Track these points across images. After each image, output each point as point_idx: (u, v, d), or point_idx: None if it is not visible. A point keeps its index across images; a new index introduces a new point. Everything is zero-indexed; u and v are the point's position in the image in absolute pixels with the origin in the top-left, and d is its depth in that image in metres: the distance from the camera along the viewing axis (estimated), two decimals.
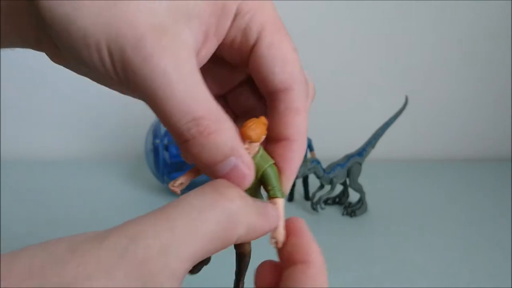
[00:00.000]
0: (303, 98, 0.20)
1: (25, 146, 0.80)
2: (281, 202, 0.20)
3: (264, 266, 0.20)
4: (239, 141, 0.18)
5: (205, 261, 0.21)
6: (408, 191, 0.70)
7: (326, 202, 0.62)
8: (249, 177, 0.18)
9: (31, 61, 0.74)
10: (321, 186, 0.59)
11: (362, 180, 0.60)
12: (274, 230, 0.19)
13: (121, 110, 0.80)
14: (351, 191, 0.63)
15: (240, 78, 0.23)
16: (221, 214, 0.16)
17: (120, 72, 0.17)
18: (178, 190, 0.20)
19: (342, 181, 0.60)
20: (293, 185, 0.63)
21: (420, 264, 0.49)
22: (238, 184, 0.18)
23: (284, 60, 0.20)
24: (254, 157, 0.19)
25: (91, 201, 0.62)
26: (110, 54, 0.16)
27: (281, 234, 0.19)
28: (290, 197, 0.64)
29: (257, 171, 0.19)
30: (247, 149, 0.19)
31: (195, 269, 0.21)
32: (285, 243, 0.19)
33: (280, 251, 0.19)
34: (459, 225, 0.59)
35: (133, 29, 0.16)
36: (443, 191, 0.70)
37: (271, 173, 0.20)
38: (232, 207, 0.16)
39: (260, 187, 0.21)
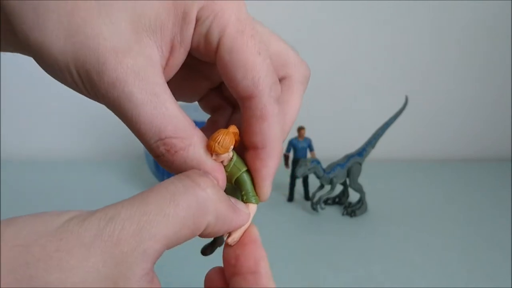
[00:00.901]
0: (270, 103, 0.19)
1: (25, 146, 0.80)
2: (253, 207, 0.20)
3: (213, 272, 0.21)
4: (205, 155, 0.19)
5: (218, 242, 0.21)
6: (408, 191, 0.70)
7: (326, 202, 0.62)
8: (221, 183, 0.19)
9: (31, 61, 0.74)
10: (321, 186, 0.59)
11: (362, 180, 0.60)
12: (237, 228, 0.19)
13: None
14: (351, 191, 0.63)
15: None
16: (192, 200, 0.16)
17: (91, 93, 0.18)
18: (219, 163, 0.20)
19: (342, 181, 0.60)
20: (293, 185, 0.63)
21: (420, 264, 0.49)
22: None
23: (245, 66, 0.18)
24: (227, 165, 0.20)
25: (91, 201, 0.62)
26: (80, 78, 0.17)
27: (238, 233, 0.20)
28: (290, 197, 0.64)
29: (231, 177, 0.20)
30: (215, 160, 0.19)
31: (208, 250, 0.22)
32: (237, 246, 0.20)
33: (228, 252, 0.20)
34: (458, 225, 0.59)
35: (96, 54, 0.16)
36: (443, 191, 0.70)
37: (245, 179, 0.20)
38: (202, 194, 0.17)
39: (238, 193, 0.21)
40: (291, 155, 0.64)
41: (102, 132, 0.82)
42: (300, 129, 0.62)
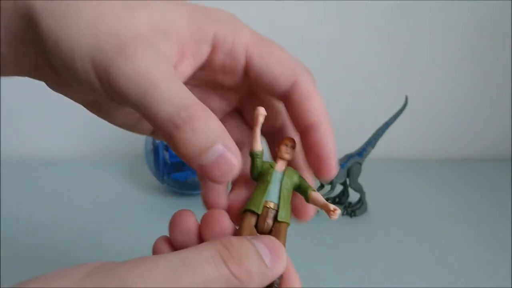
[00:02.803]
0: (311, 84, 0.22)
1: (25, 146, 0.80)
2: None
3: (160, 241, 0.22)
4: (224, 129, 0.18)
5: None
6: (408, 191, 0.70)
7: None
8: (236, 168, 0.18)
9: None
10: (321, 186, 0.59)
11: (362, 180, 0.60)
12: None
13: None
14: (351, 191, 0.63)
15: (236, 99, 0.24)
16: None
17: (108, 82, 0.18)
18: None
19: (342, 181, 0.60)
20: None
21: (420, 264, 0.49)
22: (225, 174, 0.18)
23: (279, 61, 0.21)
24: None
25: (91, 201, 0.62)
26: (94, 64, 0.18)
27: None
28: None
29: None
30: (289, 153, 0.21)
31: None
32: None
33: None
34: (458, 225, 0.59)
35: (116, 38, 0.18)
36: (443, 191, 0.70)
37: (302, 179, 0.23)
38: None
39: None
40: None
41: (102, 132, 0.82)
42: None
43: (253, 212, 0.21)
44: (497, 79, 0.85)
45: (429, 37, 0.81)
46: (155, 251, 0.22)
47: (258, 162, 0.21)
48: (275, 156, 0.22)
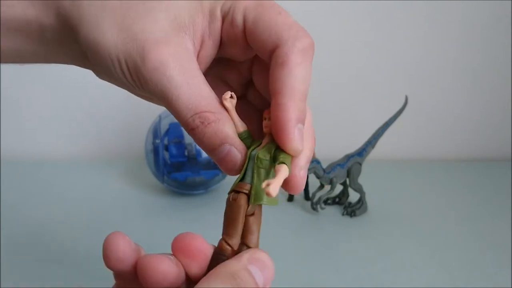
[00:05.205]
0: (293, 52, 0.20)
1: (25, 146, 0.80)
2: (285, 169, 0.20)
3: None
4: (232, 129, 0.21)
5: None
6: (408, 191, 0.70)
7: (326, 202, 0.62)
8: (240, 160, 0.21)
9: None
10: (321, 186, 0.59)
11: (362, 180, 0.60)
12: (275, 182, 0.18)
13: (121, 110, 0.80)
14: (351, 191, 0.63)
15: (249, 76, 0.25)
16: None
17: (136, 81, 0.21)
18: (228, 104, 0.22)
19: (342, 181, 0.60)
20: None
21: (420, 264, 0.49)
22: (232, 165, 0.21)
23: (269, 26, 0.21)
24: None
25: (91, 201, 0.62)
26: (127, 67, 0.21)
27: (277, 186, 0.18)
28: (290, 197, 0.64)
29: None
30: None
31: None
32: None
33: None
34: (458, 225, 0.59)
35: (142, 45, 0.20)
36: (443, 191, 0.70)
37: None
38: None
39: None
40: None
41: (102, 132, 0.82)
42: None
43: (246, 194, 0.21)
44: (497, 79, 0.85)
45: (429, 37, 0.81)
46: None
47: (246, 143, 0.22)
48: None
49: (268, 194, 0.18)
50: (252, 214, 0.21)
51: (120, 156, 0.82)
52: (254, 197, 0.21)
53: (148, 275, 0.20)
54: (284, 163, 0.20)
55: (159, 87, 0.20)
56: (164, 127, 0.62)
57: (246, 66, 0.25)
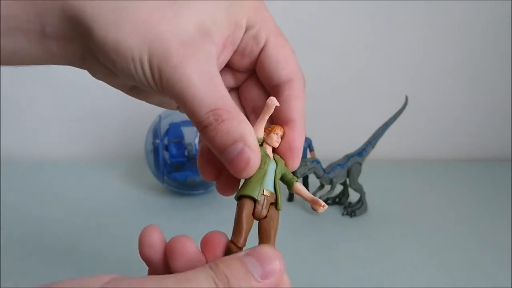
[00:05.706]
0: (302, 88, 0.25)
1: (25, 146, 0.80)
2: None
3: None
4: (248, 130, 0.21)
5: None
6: (408, 191, 0.70)
7: (326, 202, 0.62)
8: (253, 161, 0.21)
9: None
10: (321, 186, 0.59)
11: (362, 180, 0.60)
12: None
13: (121, 110, 0.80)
14: (351, 191, 0.63)
15: (242, 79, 0.27)
16: None
17: (157, 79, 0.21)
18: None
19: (342, 181, 0.60)
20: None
21: (420, 264, 0.49)
22: (243, 166, 0.21)
23: (287, 58, 0.25)
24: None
25: (91, 201, 0.62)
26: (150, 65, 0.21)
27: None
28: (290, 197, 0.64)
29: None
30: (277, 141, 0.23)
31: None
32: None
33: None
34: (458, 225, 0.59)
35: (167, 45, 0.21)
36: (443, 191, 0.70)
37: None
38: None
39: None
40: None
41: (102, 132, 0.82)
42: None
43: (250, 198, 0.22)
44: (497, 79, 0.85)
45: (429, 37, 0.81)
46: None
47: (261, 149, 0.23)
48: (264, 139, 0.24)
49: (320, 211, 0.23)
50: (265, 217, 0.22)
51: (120, 156, 0.82)
52: (279, 204, 0.23)
53: (176, 249, 0.22)
54: (297, 181, 0.24)
55: (178, 85, 0.21)
56: (164, 127, 0.62)
57: (241, 75, 0.27)
